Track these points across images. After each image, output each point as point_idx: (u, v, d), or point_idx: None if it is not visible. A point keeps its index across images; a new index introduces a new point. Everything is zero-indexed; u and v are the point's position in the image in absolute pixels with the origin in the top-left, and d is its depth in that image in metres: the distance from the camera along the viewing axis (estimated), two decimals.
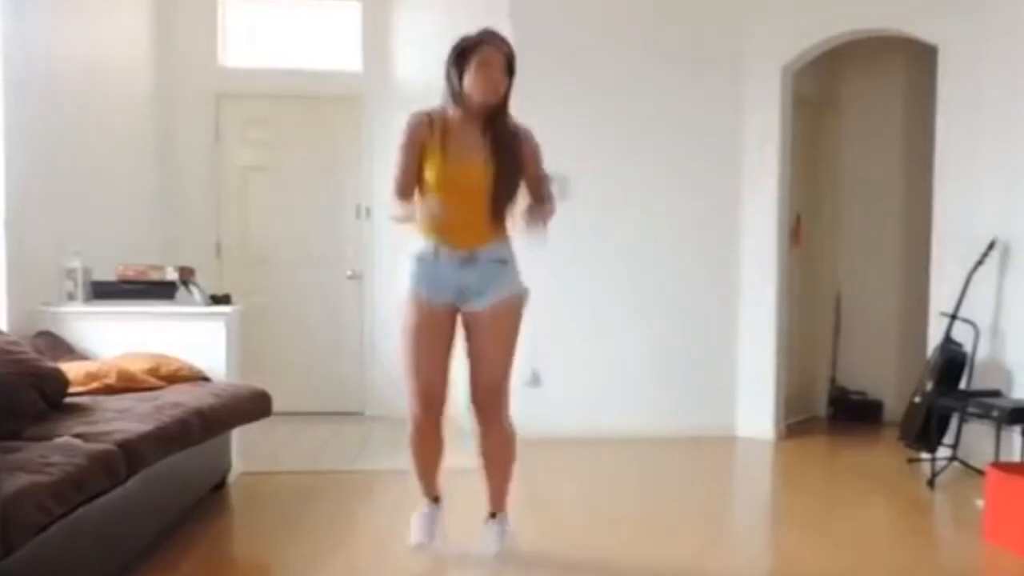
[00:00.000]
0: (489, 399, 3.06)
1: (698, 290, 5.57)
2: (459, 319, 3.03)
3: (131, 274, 4.26)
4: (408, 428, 3.11)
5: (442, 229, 2.90)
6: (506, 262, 3.02)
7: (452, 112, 2.99)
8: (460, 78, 2.94)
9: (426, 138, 2.96)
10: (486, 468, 3.17)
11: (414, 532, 3.23)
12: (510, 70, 2.97)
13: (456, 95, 2.96)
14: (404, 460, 4.80)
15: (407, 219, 2.97)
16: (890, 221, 6.17)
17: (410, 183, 3.00)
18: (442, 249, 2.94)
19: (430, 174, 2.93)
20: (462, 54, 2.94)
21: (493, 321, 2.99)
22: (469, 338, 3.04)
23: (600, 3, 5.49)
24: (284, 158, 6.15)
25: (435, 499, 3.27)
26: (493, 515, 3.21)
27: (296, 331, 6.11)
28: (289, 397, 5.26)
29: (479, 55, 2.91)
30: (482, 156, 2.94)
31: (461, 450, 3.29)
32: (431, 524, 3.23)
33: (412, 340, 2.98)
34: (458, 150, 2.94)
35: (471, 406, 3.10)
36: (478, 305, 2.98)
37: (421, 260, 2.96)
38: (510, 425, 3.13)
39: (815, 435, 5.79)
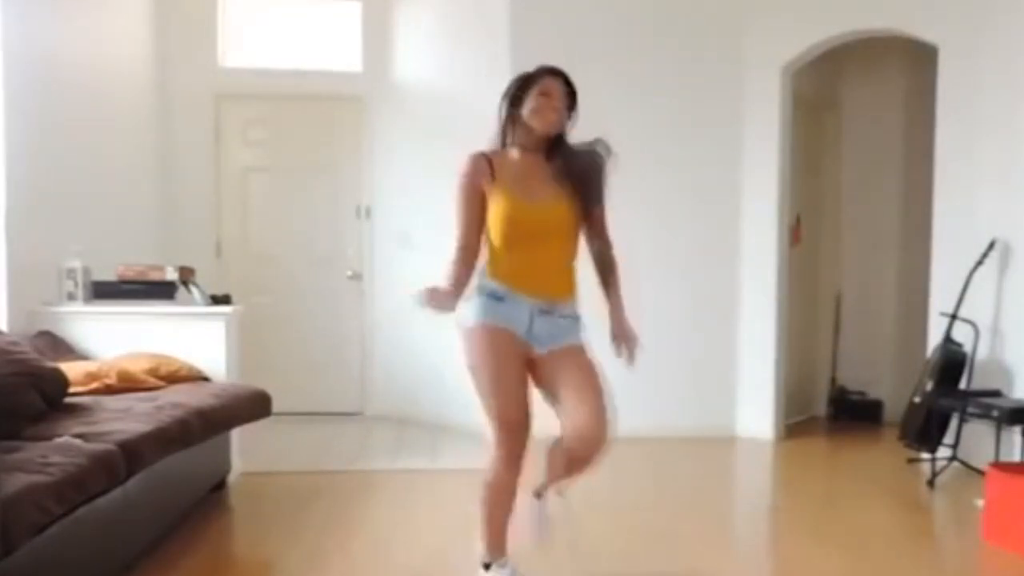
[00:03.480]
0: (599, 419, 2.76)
1: (698, 289, 5.57)
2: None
3: (131, 274, 4.27)
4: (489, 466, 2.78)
5: (513, 280, 2.72)
6: (578, 319, 2.85)
7: (511, 150, 2.79)
8: (518, 109, 2.75)
9: (486, 181, 2.72)
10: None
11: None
12: (572, 106, 2.84)
13: (515, 128, 2.77)
14: (403, 460, 4.88)
15: (449, 301, 2.66)
16: (890, 221, 6.17)
17: (476, 240, 2.74)
18: (518, 294, 2.73)
19: (493, 220, 2.71)
20: (522, 86, 2.77)
21: (571, 354, 2.79)
22: (551, 376, 2.80)
23: (600, 3, 5.49)
24: (284, 158, 6.15)
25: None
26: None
27: (296, 331, 6.11)
28: (289, 397, 5.26)
29: (540, 84, 2.75)
30: (555, 191, 2.73)
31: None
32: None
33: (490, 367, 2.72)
34: (526, 189, 2.71)
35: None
36: (549, 348, 2.76)
37: (496, 295, 2.73)
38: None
39: (815, 435, 5.79)
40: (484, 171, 2.73)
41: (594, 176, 2.80)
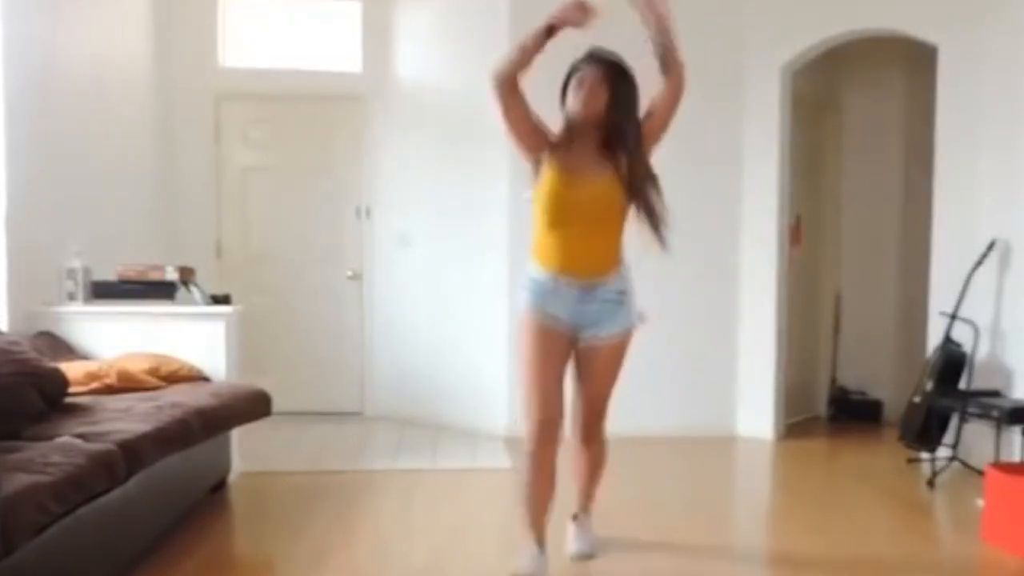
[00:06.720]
0: (593, 422, 3.11)
1: (698, 290, 5.56)
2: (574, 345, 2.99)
3: (131, 274, 4.27)
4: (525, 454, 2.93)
5: (562, 258, 2.87)
6: (624, 293, 3.03)
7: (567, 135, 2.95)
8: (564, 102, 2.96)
9: (545, 143, 2.93)
10: (582, 475, 3.23)
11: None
12: (619, 82, 3.06)
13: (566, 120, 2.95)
14: (403, 460, 4.88)
15: (523, 59, 3.01)
16: (890, 221, 6.17)
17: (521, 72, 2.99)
18: (561, 279, 2.89)
19: (544, 194, 2.86)
20: (567, 79, 2.99)
21: (604, 354, 3.00)
22: (580, 365, 3.02)
23: (599, 4, 5.48)
24: (284, 158, 6.15)
25: (541, 542, 2.94)
26: (576, 516, 3.29)
27: (296, 331, 6.11)
28: (289, 397, 5.26)
29: (575, 76, 3.00)
30: (606, 172, 2.87)
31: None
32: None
33: (530, 359, 2.90)
34: (575, 168, 2.85)
35: (574, 426, 3.10)
36: (590, 337, 2.96)
37: (540, 284, 2.91)
38: (605, 439, 3.20)
39: (815, 435, 5.79)
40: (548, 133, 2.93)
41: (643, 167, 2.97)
